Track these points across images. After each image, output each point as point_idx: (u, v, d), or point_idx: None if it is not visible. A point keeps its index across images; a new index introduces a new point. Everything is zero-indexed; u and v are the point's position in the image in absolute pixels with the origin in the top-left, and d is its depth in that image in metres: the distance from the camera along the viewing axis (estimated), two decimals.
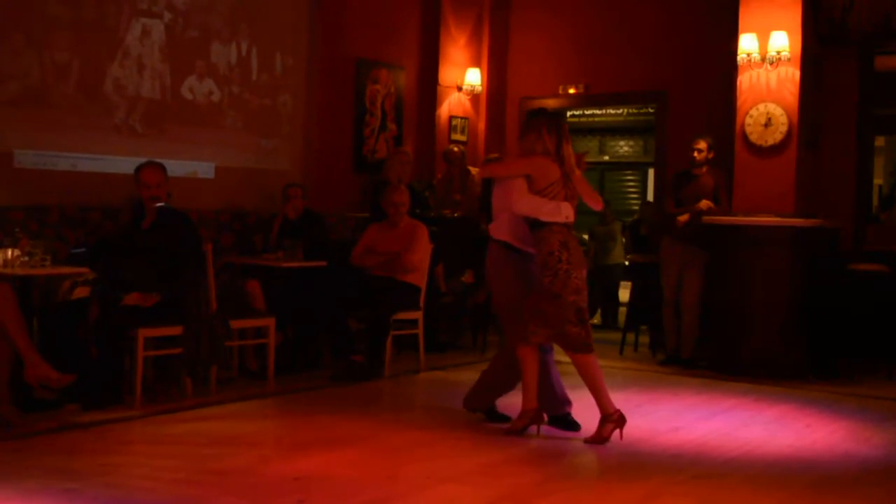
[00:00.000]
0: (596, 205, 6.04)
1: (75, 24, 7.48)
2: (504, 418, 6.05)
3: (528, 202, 5.65)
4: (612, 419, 5.71)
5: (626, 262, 11.35)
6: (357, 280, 7.86)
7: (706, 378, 8.03)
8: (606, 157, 16.86)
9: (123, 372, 6.30)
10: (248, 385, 7.08)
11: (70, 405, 5.96)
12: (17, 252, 6.18)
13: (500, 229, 5.92)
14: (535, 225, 5.67)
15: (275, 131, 9.00)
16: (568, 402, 6.00)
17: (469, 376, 7.54)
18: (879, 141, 12.42)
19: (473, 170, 9.95)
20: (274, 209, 8.33)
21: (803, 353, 8.18)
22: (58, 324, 6.21)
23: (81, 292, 6.48)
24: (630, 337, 9.50)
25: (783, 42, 8.44)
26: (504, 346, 6.26)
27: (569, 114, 15.59)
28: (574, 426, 5.93)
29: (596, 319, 11.68)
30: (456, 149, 9.95)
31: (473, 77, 10.70)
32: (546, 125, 5.73)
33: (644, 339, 9.57)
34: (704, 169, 8.58)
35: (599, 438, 5.66)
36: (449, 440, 5.64)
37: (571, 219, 5.68)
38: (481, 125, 10.98)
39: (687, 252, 8.56)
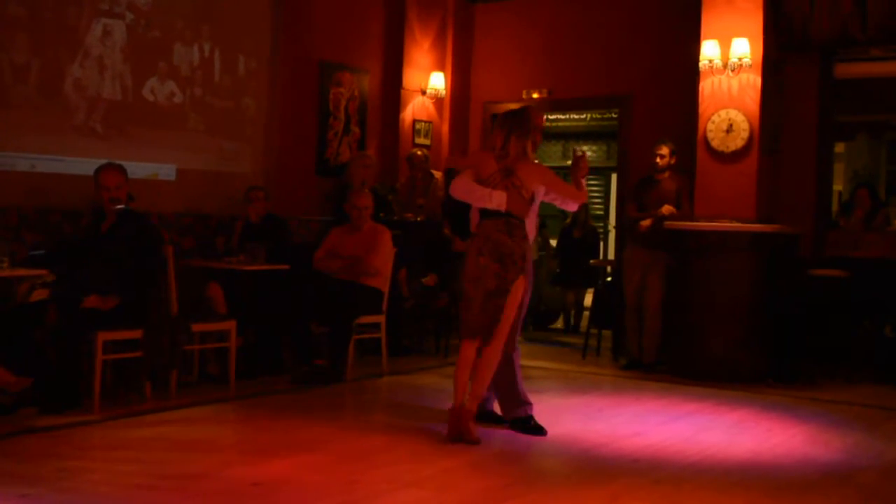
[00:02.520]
0: (569, 205, 6.27)
1: (35, 24, 7.39)
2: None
3: (462, 186, 5.93)
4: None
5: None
6: (319, 284, 7.83)
7: (667, 382, 8.07)
8: (570, 162, 16.86)
9: (82, 376, 6.23)
10: (209, 389, 7.03)
11: (27, 409, 5.89)
12: None
13: (472, 220, 6.09)
14: (480, 216, 5.91)
15: (237, 134, 8.95)
16: (528, 404, 6.03)
17: (431, 380, 7.56)
18: (839, 147, 12.56)
19: (437, 174, 9.95)
20: (236, 212, 8.29)
21: (763, 358, 8.24)
22: (15, 327, 6.12)
23: (40, 295, 6.41)
24: (592, 341, 9.53)
25: (744, 49, 8.51)
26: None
27: None
28: (538, 431, 5.95)
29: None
30: (419, 153, 9.94)
31: (437, 81, 10.69)
32: (500, 123, 6.00)
33: (607, 343, 9.60)
34: (667, 174, 8.63)
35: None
36: (411, 444, 5.62)
37: (503, 207, 5.80)
38: (445, 129, 10.97)
39: (649, 257, 8.61)
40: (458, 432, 5.64)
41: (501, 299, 5.73)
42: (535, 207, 6.09)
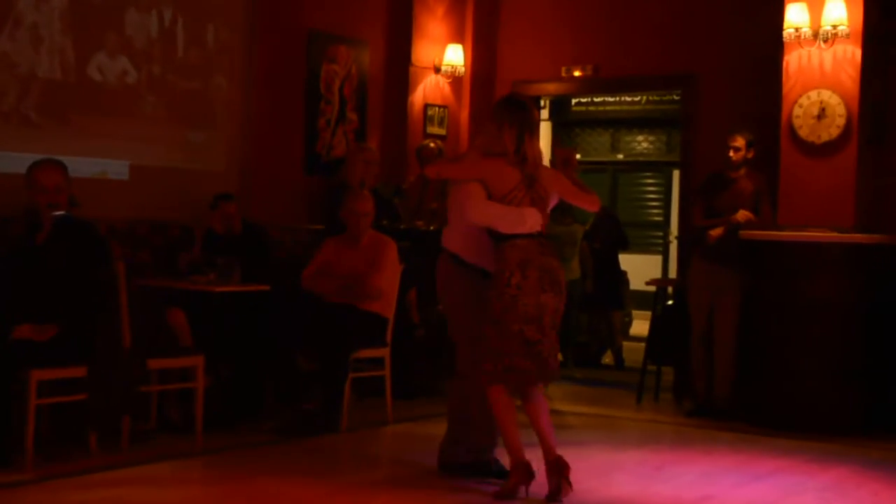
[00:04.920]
0: (590, 206, 6.35)
1: None
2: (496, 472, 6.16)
3: (482, 210, 5.92)
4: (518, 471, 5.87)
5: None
6: (308, 308, 7.83)
7: (744, 433, 8.04)
8: (620, 156, 16.91)
9: (11, 425, 6.21)
10: (170, 441, 7.02)
11: None
12: None
13: (450, 238, 6.23)
14: (498, 238, 5.90)
15: (206, 122, 8.97)
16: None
17: None
18: None
19: None
20: (204, 220, 8.28)
21: (866, 402, 8.19)
22: None
23: None
24: (650, 380, 9.49)
25: (840, 14, 8.47)
26: (454, 381, 6.40)
27: (574, 101, 15.74)
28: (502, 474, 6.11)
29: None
30: (432, 145, 9.94)
31: (454, 55, 10.69)
32: (508, 119, 5.99)
33: (667, 383, 9.56)
34: (742, 171, 8.60)
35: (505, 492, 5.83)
36: None
37: (538, 227, 5.88)
38: (464, 115, 10.97)
39: (720, 275, 8.58)
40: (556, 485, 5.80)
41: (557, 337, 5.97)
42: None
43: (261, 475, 6.26)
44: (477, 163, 6.08)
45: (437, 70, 10.68)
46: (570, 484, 5.83)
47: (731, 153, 8.58)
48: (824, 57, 8.59)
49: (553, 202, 6.12)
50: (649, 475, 6.62)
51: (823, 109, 8.56)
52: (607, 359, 12.14)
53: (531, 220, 5.83)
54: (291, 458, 6.77)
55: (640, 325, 12.79)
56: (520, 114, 5.98)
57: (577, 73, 10.66)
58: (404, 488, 6.08)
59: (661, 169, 16.97)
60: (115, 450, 6.55)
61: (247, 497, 5.81)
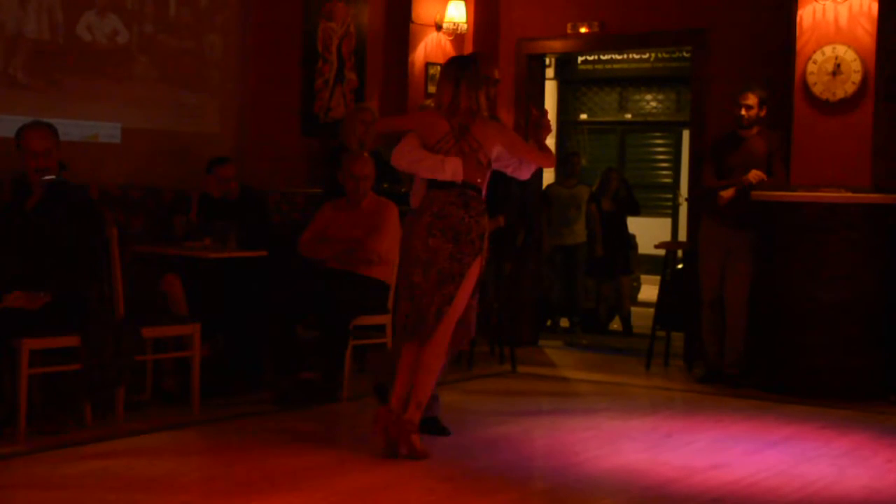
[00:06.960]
0: (543, 162, 6.47)
1: None
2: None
3: (405, 155, 6.23)
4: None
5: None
6: (307, 275, 7.85)
7: (757, 399, 8.07)
8: (628, 116, 16.88)
9: (2, 396, 6.24)
10: (166, 412, 7.06)
11: None
12: None
13: (413, 194, 6.39)
14: (428, 186, 6.17)
15: (200, 83, 8.95)
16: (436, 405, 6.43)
17: (451, 398, 7.54)
18: None
19: None
20: (199, 184, 8.28)
21: (883, 367, 8.20)
22: None
23: None
24: (659, 346, 9.51)
25: None
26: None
27: (580, 59, 15.71)
28: (443, 431, 6.45)
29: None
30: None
31: (456, 12, 10.65)
32: (446, 73, 6.28)
33: (677, 349, 9.58)
34: (755, 130, 8.59)
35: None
36: (425, 481, 5.64)
37: (460, 177, 6.07)
38: None
39: (732, 237, 8.58)
40: (392, 444, 5.99)
41: (454, 286, 6.02)
42: (488, 174, 6.30)
43: (259, 445, 6.30)
44: (412, 115, 6.60)
45: (439, 27, 10.64)
46: (410, 451, 5.97)
47: (743, 111, 8.56)
48: (839, 10, 8.56)
49: (493, 155, 6.21)
50: (659, 443, 6.64)
51: (838, 65, 8.54)
52: (615, 325, 12.17)
53: (451, 168, 6.04)
54: (290, 429, 6.79)
55: (649, 290, 12.82)
56: (457, 68, 6.22)
57: (583, 30, 10.62)
58: (405, 458, 6.08)
59: (670, 129, 16.95)
60: (110, 421, 6.58)
61: (244, 467, 5.83)
